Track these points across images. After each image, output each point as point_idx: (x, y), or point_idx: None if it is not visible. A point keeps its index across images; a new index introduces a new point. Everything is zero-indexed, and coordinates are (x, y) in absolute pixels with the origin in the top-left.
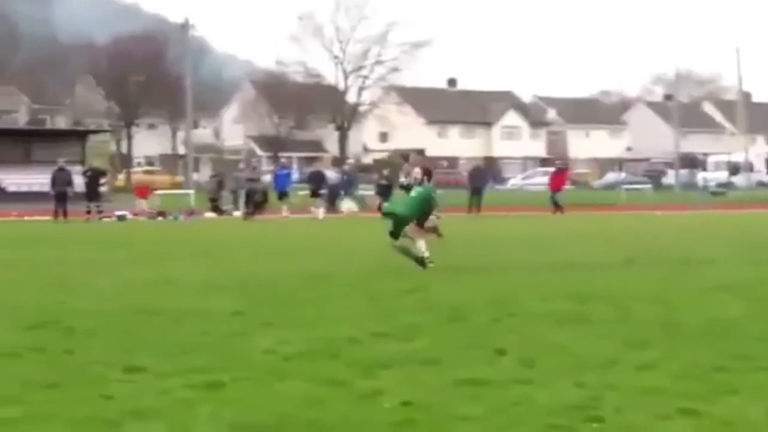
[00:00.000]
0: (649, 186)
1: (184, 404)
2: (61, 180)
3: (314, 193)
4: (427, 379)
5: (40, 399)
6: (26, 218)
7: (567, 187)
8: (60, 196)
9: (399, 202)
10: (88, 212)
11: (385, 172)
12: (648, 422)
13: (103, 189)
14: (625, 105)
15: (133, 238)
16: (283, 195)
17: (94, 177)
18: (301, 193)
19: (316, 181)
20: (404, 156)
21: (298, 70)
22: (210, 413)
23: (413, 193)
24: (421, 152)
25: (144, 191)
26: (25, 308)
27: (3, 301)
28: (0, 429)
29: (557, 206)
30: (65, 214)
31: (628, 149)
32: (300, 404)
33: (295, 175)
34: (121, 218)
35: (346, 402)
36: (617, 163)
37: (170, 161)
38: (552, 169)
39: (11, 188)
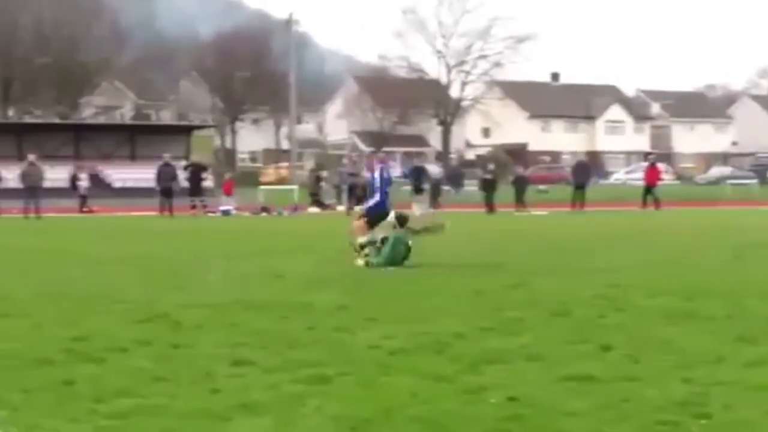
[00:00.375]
0: (755, 181)
1: (291, 398)
2: (166, 175)
3: (416, 189)
4: (532, 375)
5: (150, 392)
6: (133, 214)
7: (661, 181)
8: (165, 191)
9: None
10: (193, 207)
11: (490, 166)
12: (757, 419)
13: (206, 184)
14: (730, 98)
15: (238, 234)
16: None
17: (195, 172)
18: (404, 188)
19: (417, 176)
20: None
21: (401, 65)
22: (316, 407)
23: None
24: (376, 152)
25: (229, 188)
26: (133, 302)
27: (113, 296)
28: (112, 421)
29: (655, 201)
30: (171, 209)
31: (734, 143)
32: (405, 399)
33: (396, 170)
34: (226, 213)
35: (451, 397)
36: (722, 158)
37: (273, 156)
38: (645, 164)
39: (117, 184)
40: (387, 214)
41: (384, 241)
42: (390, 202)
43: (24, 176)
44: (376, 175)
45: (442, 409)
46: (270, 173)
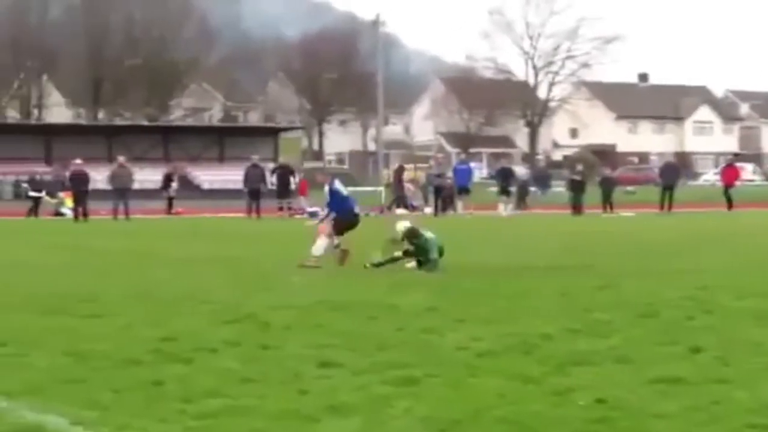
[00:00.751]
0: None
1: (380, 399)
2: (254, 177)
3: (503, 190)
4: (620, 377)
5: (238, 392)
6: (220, 215)
7: (740, 182)
8: (253, 193)
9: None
10: (281, 209)
11: (578, 167)
12: None
13: (293, 186)
14: None
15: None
16: (463, 190)
17: (283, 174)
18: (490, 189)
19: (504, 177)
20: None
21: (487, 66)
22: (405, 408)
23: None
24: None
25: (304, 188)
26: (221, 303)
27: (200, 297)
28: (200, 421)
29: (728, 201)
30: (258, 211)
31: None
32: (492, 400)
33: (482, 171)
34: (313, 215)
35: (538, 398)
36: None
37: (360, 158)
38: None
39: (205, 185)
40: (356, 223)
41: (407, 254)
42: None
43: (113, 178)
44: (326, 189)
45: (530, 410)
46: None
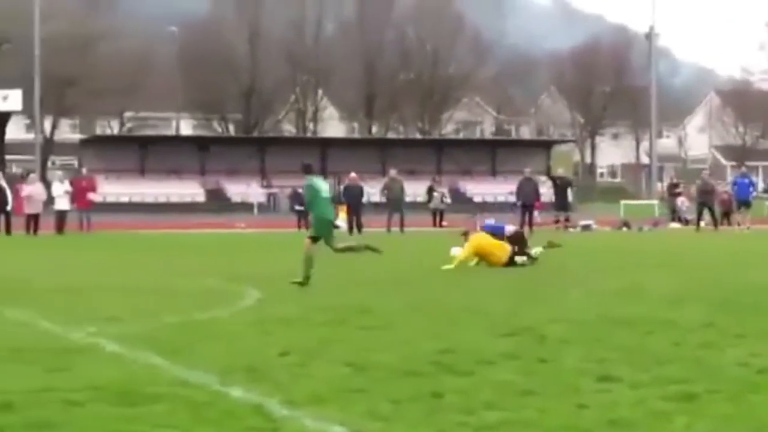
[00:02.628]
0: None
1: (659, 415)
2: (527, 189)
3: None
4: None
5: (518, 405)
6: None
7: None
8: (526, 206)
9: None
10: (557, 221)
11: None
12: None
13: (570, 198)
14: None
15: (599, 249)
16: (743, 204)
17: (562, 186)
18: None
19: None
20: None
21: (764, 78)
22: (685, 425)
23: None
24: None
25: None
26: (499, 315)
27: (479, 309)
28: None
29: None
30: (531, 224)
31: None
32: None
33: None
34: (586, 228)
35: None
36: None
37: (632, 171)
38: None
39: (477, 198)
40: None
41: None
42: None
43: (386, 190)
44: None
45: None
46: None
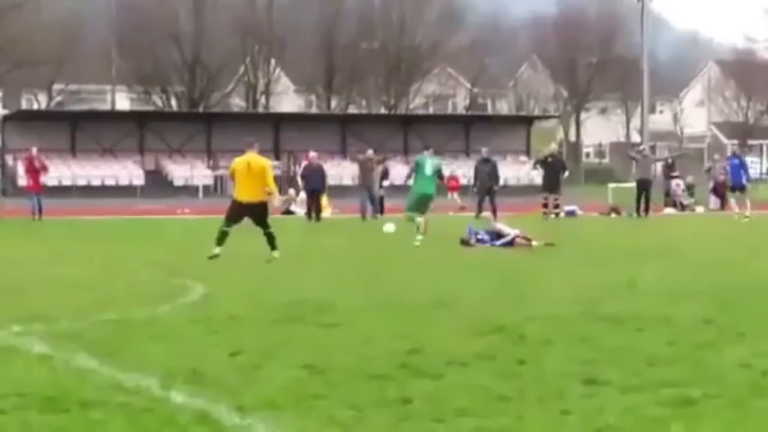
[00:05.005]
0: None
1: (653, 422)
2: (486, 172)
3: None
4: None
5: (492, 412)
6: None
7: None
8: (484, 192)
9: None
10: (545, 206)
11: None
12: None
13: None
14: None
15: (585, 236)
16: (737, 189)
17: (553, 165)
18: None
19: None
20: None
21: None
22: None
23: None
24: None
25: (455, 184)
26: (473, 311)
27: (451, 304)
28: None
29: None
30: (494, 209)
31: None
32: None
33: (761, 165)
34: (570, 214)
35: None
36: None
37: (622, 150)
38: None
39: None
40: None
41: None
42: None
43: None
44: None
45: None
46: None
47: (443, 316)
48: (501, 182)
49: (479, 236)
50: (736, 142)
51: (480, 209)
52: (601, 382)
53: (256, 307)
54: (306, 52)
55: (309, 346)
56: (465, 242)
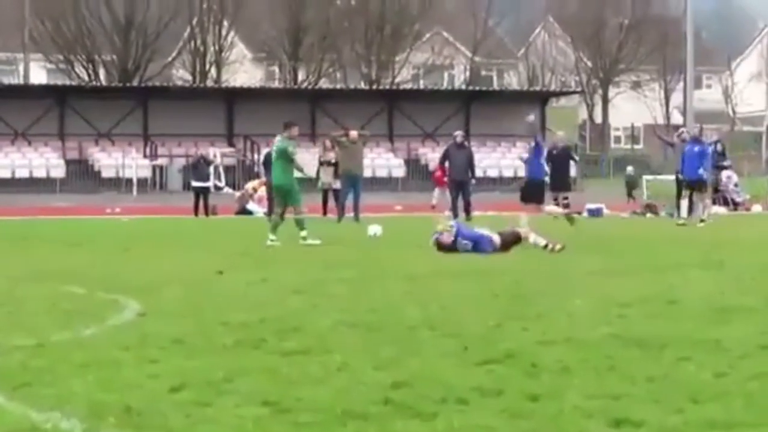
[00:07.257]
0: None
1: None
2: (459, 160)
3: None
4: None
5: None
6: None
7: None
8: (457, 183)
9: None
10: (556, 202)
11: None
12: None
13: (573, 173)
14: None
15: (612, 241)
16: (692, 184)
17: (561, 157)
18: None
19: None
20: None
21: None
22: None
23: None
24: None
25: (441, 178)
26: (474, 335)
27: (447, 325)
28: None
29: None
30: (467, 207)
31: None
32: None
33: None
34: (594, 214)
35: None
36: None
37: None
38: None
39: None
40: None
41: None
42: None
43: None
44: None
45: None
46: None
47: (436, 340)
48: (510, 173)
49: (464, 242)
50: None
51: (455, 206)
52: (634, 423)
53: (204, 330)
54: (265, 11)
55: (270, 377)
56: (443, 246)
